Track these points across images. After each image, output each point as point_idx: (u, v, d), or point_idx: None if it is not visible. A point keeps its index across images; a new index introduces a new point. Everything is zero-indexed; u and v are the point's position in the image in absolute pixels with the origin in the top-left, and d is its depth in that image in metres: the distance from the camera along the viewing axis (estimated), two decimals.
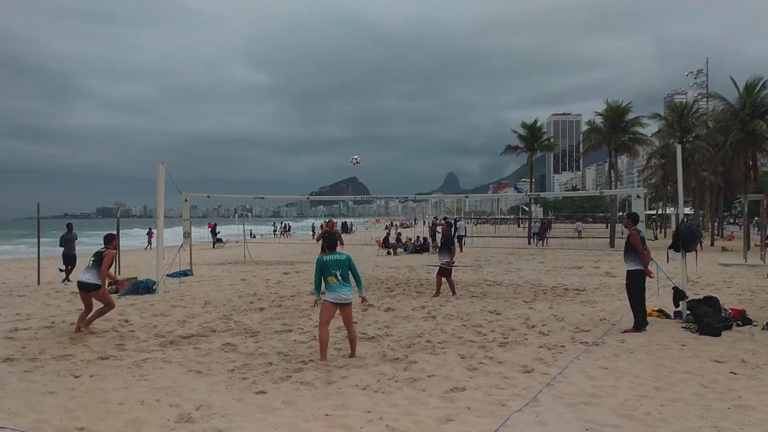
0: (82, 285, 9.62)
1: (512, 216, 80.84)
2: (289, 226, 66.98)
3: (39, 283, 16.84)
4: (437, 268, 13.80)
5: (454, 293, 13.38)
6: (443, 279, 13.49)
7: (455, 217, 49.33)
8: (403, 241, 32.43)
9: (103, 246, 9.93)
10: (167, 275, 15.30)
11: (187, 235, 15.78)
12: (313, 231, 57.53)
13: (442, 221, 24.04)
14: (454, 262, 13.87)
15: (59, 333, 9.46)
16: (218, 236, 41.20)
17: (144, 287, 14.30)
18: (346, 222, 79.40)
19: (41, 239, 17.88)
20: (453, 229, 31.97)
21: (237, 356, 7.86)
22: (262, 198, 17.19)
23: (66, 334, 9.36)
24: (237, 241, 32.06)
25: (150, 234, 37.76)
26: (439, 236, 31.38)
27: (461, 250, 28.29)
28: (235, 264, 24.03)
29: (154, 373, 7.00)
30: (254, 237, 49.99)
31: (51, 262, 18.98)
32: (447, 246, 13.72)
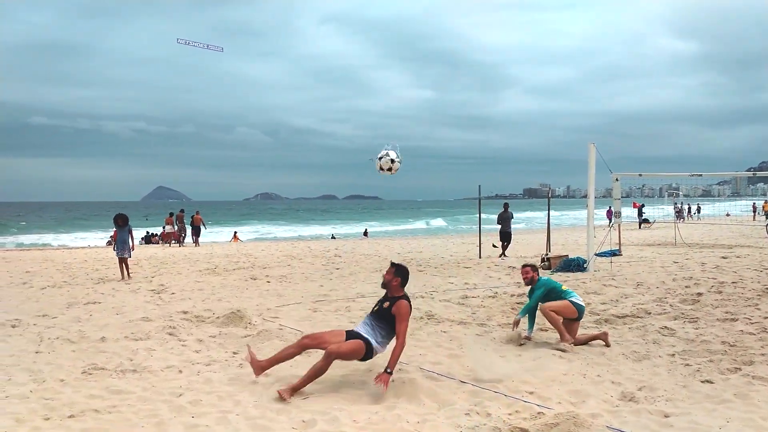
0: None
1: None
2: (697, 208, 56.72)
3: (480, 257, 18.73)
4: None
5: None
6: None
7: None
8: None
9: None
10: (596, 254, 15.45)
11: (617, 214, 15.67)
12: (754, 210, 51.05)
13: None
14: None
15: (501, 302, 10.40)
16: (644, 216, 39.80)
17: (575, 265, 14.76)
18: None
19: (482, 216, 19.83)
20: None
21: (676, 341, 7.55)
22: (700, 176, 15.95)
23: (507, 303, 10.25)
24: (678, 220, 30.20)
25: (609, 212, 37.06)
26: None
27: None
28: (664, 246, 22.94)
29: (619, 352, 7.10)
30: (683, 217, 46.64)
31: (487, 239, 20.86)
32: None
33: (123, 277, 14.11)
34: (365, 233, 45.32)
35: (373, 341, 5.84)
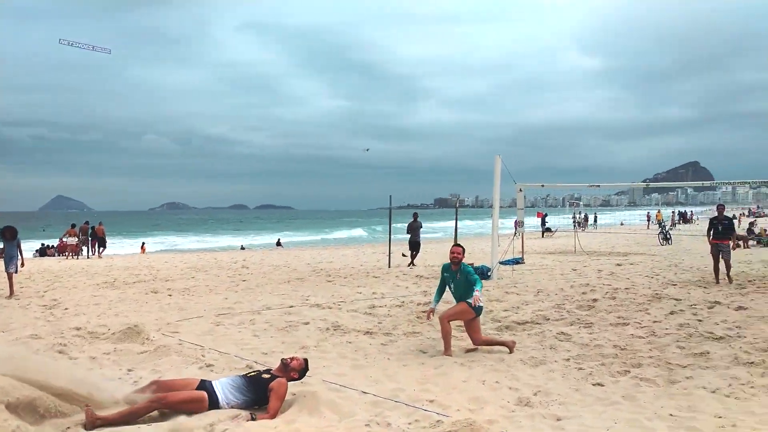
0: None
1: None
2: (594, 218, 56.91)
3: (389, 266, 18.85)
4: None
5: None
6: None
7: None
8: (756, 232, 28.65)
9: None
10: (500, 262, 15.86)
11: (521, 224, 16.17)
12: (648, 219, 53.95)
13: None
14: None
15: (408, 311, 10.49)
16: (547, 225, 41.36)
17: (480, 273, 15.06)
18: (684, 212, 72.50)
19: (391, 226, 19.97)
20: None
21: (572, 346, 7.85)
22: (598, 186, 16.74)
23: (414, 312, 10.35)
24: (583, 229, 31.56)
25: (516, 222, 37.87)
26: None
27: None
28: (564, 253, 23.86)
29: (518, 358, 7.27)
30: (583, 227, 48.62)
31: (397, 248, 21.03)
32: None
33: (11, 294, 13.25)
34: (278, 243, 44.79)
35: (223, 402, 5.35)
